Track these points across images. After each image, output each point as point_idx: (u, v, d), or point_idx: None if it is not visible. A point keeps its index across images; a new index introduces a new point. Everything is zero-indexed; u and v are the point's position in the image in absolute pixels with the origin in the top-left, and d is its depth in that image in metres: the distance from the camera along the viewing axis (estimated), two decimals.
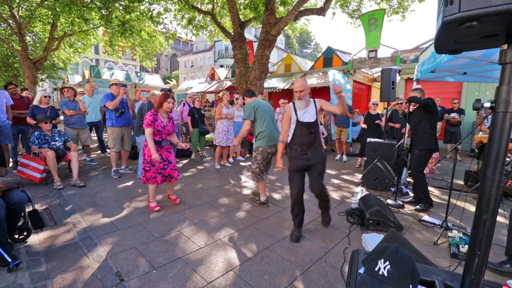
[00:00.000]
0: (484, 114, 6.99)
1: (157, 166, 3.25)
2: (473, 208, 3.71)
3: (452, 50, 1.03)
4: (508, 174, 2.59)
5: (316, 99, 2.86)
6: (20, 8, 10.12)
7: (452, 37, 0.89)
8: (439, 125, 7.30)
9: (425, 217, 3.31)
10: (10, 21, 10.23)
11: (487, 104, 0.97)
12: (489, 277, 2.20)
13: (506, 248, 2.28)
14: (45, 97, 4.91)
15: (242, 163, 6.21)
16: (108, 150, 6.47)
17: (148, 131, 3.12)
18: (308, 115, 2.75)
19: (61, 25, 10.64)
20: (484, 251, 0.97)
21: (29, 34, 12.42)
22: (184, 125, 6.57)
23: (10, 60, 14.48)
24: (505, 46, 0.89)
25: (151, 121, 3.13)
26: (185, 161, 6.28)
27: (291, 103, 2.88)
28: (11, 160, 5.12)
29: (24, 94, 5.88)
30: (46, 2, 9.02)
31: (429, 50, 4.07)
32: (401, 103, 5.60)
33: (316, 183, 2.73)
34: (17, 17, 10.05)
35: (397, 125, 5.44)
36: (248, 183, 4.66)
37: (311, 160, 2.72)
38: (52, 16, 9.14)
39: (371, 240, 2.55)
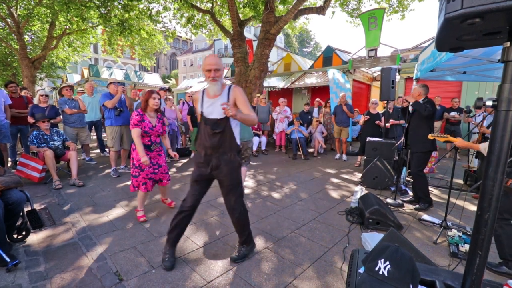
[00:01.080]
0: (485, 114, 7.00)
1: (147, 171, 3.02)
2: (472, 207, 3.70)
3: (454, 48, 1.02)
4: (509, 173, 2.59)
5: (233, 87, 2.12)
6: (19, 7, 10.07)
7: (454, 34, 0.88)
8: (439, 124, 7.29)
9: (425, 216, 3.31)
10: (9, 20, 10.18)
11: (489, 103, 0.96)
12: (488, 277, 2.20)
13: (498, 252, 2.29)
14: (42, 95, 4.90)
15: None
16: (107, 149, 6.46)
17: (135, 132, 2.87)
18: (216, 108, 2.07)
19: (60, 24, 10.60)
20: (486, 251, 0.97)
21: (28, 33, 12.35)
22: (183, 124, 6.57)
23: (9, 59, 14.42)
24: (508, 44, 0.88)
25: (138, 120, 2.90)
26: (184, 160, 6.27)
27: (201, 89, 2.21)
28: (9, 159, 5.10)
29: (23, 93, 5.86)
30: (44, 1, 8.97)
31: (429, 49, 4.06)
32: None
33: (227, 201, 2.23)
34: (16, 15, 10.00)
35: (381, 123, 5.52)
36: (247, 182, 4.64)
37: (215, 169, 2.13)
38: (50, 15, 9.11)
39: (371, 239, 2.55)
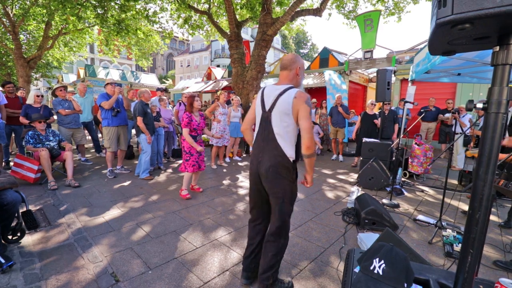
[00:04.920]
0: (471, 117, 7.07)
1: (195, 156, 3.76)
2: (466, 207, 3.75)
3: (446, 52, 1.04)
4: (500, 174, 2.63)
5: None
6: (14, 6, 10.00)
7: (446, 39, 0.91)
8: (434, 125, 7.37)
9: (420, 216, 3.34)
10: (4, 19, 10.10)
11: (480, 105, 0.99)
12: (482, 275, 2.23)
13: None
14: (38, 96, 4.87)
15: (239, 163, 6.20)
16: (103, 150, 6.42)
17: (185, 131, 3.61)
18: None
19: (56, 24, 10.53)
20: (477, 249, 0.99)
21: (23, 32, 12.26)
22: (180, 125, 6.55)
23: (4, 59, 14.28)
24: (497, 48, 0.91)
25: (188, 122, 3.61)
26: (181, 161, 6.25)
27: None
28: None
29: (18, 93, 5.82)
30: (40, 1, 8.92)
31: (424, 51, 4.11)
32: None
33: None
34: (11, 15, 9.93)
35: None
36: (244, 183, 4.65)
37: None
38: (46, 15, 9.05)
39: (367, 239, 2.57)
